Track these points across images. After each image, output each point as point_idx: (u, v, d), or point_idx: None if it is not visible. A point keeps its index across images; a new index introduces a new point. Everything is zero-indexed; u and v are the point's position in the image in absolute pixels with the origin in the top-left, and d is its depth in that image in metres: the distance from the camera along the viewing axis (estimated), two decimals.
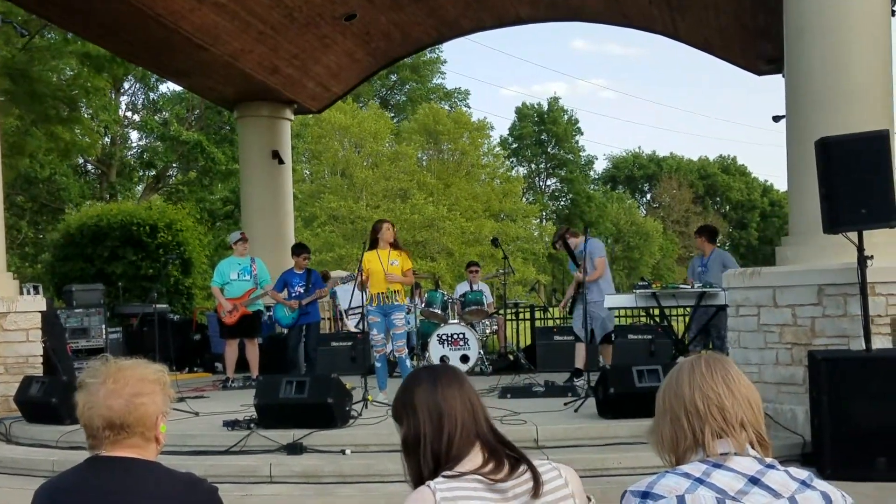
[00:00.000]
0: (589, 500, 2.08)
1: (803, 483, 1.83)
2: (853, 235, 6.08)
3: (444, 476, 1.98)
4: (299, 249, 10.58)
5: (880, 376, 5.82)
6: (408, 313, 9.83)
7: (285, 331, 10.67)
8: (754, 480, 1.81)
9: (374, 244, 8.39)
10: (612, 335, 9.44)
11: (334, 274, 14.65)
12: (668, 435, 1.97)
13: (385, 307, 8.29)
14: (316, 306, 10.49)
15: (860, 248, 6.06)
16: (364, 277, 8.29)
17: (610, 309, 9.13)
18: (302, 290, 10.23)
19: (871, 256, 6.10)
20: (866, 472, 5.66)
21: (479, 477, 1.96)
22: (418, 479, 2.05)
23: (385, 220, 8.75)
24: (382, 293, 8.27)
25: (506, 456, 2.04)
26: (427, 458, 2.05)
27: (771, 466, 1.86)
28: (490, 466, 2.00)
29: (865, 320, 6.05)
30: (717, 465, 1.85)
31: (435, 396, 2.10)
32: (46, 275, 16.91)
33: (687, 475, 1.84)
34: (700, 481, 1.81)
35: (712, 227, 10.48)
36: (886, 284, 6.37)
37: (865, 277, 6.07)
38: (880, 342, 6.26)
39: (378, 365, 8.48)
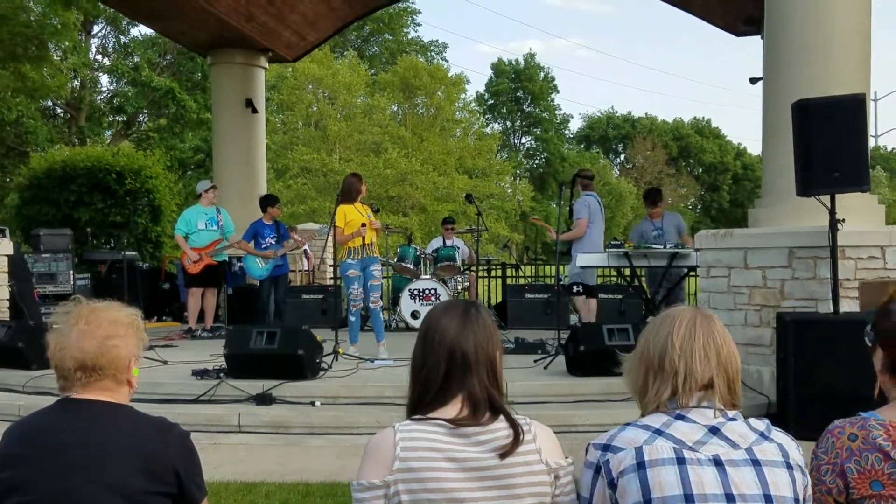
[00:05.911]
0: (566, 457, 2.05)
1: (762, 435, 1.89)
2: (826, 199, 6.11)
3: (411, 419, 1.99)
4: (271, 200, 10.47)
5: (847, 340, 5.86)
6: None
7: (256, 282, 10.60)
8: (714, 430, 1.86)
9: (348, 198, 8.34)
10: (575, 287, 9.50)
11: (303, 226, 14.49)
12: (640, 385, 2.00)
13: (365, 259, 8.27)
14: (286, 258, 10.44)
15: (832, 212, 6.10)
16: (343, 229, 8.22)
17: (583, 268, 9.16)
18: (273, 242, 10.16)
19: (843, 220, 6.14)
20: None
21: (442, 422, 1.96)
22: (410, 409, 2.08)
23: (359, 174, 8.72)
24: (364, 246, 8.24)
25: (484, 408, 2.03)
26: (415, 389, 2.08)
27: (733, 419, 1.90)
28: (463, 415, 1.99)
29: (834, 283, 6.11)
30: (679, 417, 1.89)
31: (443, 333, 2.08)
32: (12, 219, 16.59)
33: (647, 427, 1.89)
34: (659, 432, 1.86)
35: (659, 189, 10.67)
36: (856, 248, 6.43)
37: (836, 241, 6.12)
38: (848, 306, 6.34)
39: (352, 319, 8.46)
